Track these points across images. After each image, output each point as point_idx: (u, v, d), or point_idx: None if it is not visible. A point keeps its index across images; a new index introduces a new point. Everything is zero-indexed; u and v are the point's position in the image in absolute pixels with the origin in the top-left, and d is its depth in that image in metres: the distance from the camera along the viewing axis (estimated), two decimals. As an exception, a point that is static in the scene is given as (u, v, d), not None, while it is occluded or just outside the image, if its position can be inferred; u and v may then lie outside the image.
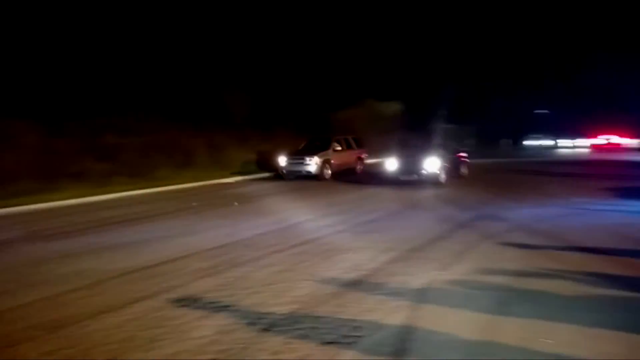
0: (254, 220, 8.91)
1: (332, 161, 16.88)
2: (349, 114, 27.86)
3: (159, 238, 7.60)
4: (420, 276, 5.11)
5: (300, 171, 16.49)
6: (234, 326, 3.88)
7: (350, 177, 17.18)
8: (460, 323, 3.85)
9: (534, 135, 43.18)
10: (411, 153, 14.63)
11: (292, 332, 3.71)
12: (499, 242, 6.70)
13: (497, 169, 20.46)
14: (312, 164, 16.16)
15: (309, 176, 16.34)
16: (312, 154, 16.46)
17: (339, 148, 17.56)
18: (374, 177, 15.83)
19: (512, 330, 3.69)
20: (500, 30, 40.09)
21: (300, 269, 5.53)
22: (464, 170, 16.18)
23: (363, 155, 19.01)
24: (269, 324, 3.90)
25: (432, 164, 13.70)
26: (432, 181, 13.71)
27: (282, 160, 16.83)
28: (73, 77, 17.04)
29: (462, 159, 16.26)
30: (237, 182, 16.95)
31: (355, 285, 4.91)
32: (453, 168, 15.19)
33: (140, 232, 8.17)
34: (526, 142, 43.02)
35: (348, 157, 18.06)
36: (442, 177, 13.91)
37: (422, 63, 36.00)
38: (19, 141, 13.85)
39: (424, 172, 13.64)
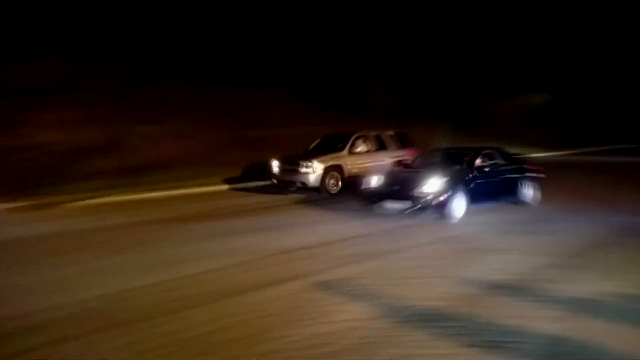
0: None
1: (346, 167, 11.94)
2: (496, 106, 26.73)
3: (301, 223, 8.10)
4: (580, 285, 4.63)
5: (294, 182, 11.67)
6: (373, 315, 3.94)
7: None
8: (628, 341, 3.39)
9: None
10: (411, 168, 9.84)
11: (432, 329, 3.64)
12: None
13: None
14: (310, 172, 11.40)
15: (307, 189, 11.62)
16: (310, 158, 11.64)
17: (361, 149, 12.56)
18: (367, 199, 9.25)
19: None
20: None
21: (440, 266, 5.39)
22: (528, 191, 9.49)
23: (406, 159, 12.29)
24: (407, 317, 3.88)
25: (431, 187, 7.99)
26: (437, 216, 7.97)
27: (275, 166, 12.34)
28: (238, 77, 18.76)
29: (529, 175, 9.66)
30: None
31: (502, 288, 4.62)
32: (500, 192, 9.17)
33: (286, 217, 8.80)
34: None
35: (376, 161, 12.61)
36: (452, 210, 7.92)
37: (578, 50, 32.45)
38: (186, 133, 15.79)
39: (422, 197, 7.93)
